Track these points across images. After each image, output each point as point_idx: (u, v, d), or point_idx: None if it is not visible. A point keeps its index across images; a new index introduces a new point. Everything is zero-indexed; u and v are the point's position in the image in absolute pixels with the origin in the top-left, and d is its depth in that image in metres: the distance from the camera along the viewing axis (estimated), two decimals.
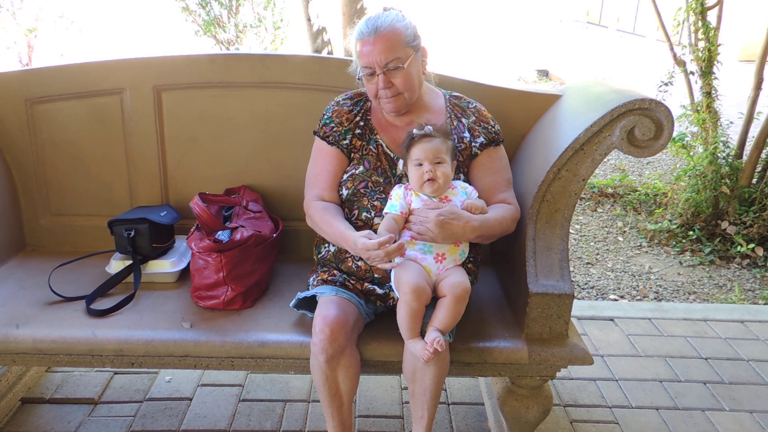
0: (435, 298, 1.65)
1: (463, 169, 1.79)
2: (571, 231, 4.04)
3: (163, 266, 1.97)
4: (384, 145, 1.81)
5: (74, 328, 1.72)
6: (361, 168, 1.78)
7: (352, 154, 1.82)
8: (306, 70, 2.08)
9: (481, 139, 1.80)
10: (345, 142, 1.81)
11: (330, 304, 1.64)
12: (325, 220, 1.73)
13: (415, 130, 1.67)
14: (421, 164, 1.64)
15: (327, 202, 1.79)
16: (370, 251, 1.54)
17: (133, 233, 1.93)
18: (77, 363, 1.74)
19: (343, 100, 1.87)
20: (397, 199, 1.67)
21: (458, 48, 12.38)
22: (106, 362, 1.73)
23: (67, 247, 2.16)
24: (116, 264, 1.95)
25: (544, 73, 11.13)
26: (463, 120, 1.83)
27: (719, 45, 3.69)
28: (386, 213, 1.68)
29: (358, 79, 1.76)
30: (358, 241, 1.58)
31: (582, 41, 14.20)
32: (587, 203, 4.51)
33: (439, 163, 1.65)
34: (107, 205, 2.16)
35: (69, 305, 1.82)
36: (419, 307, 1.57)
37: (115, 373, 2.29)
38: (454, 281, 1.61)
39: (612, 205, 4.49)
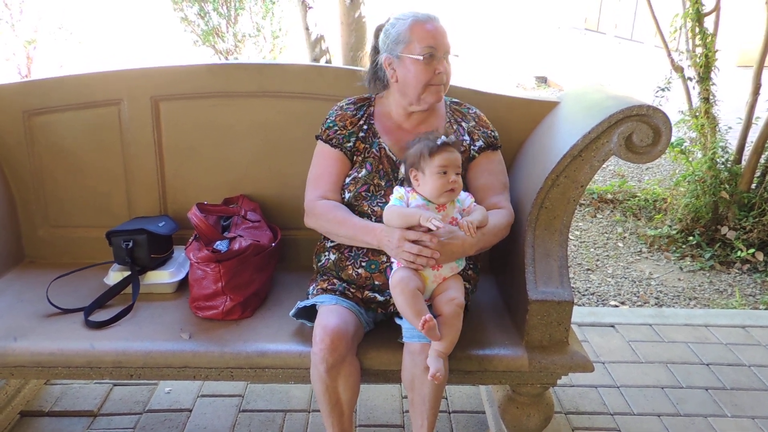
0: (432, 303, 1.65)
1: (462, 171, 1.79)
2: (570, 237, 4.03)
3: (162, 277, 1.96)
4: (387, 148, 1.82)
5: (72, 341, 1.71)
6: (364, 171, 1.79)
7: (355, 157, 1.83)
8: (304, 79, 2.08)
9: (480, 143, 1.83)
10: (349, 144, 1.82)
11: (330, 313, 1.64)
12: (338, 217, 1.73)
13: (443, 137, 1.65)
14: (445, 172, 1.62)
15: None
16: (405, 242, 1.57)
17: (131, 244, 1.92)
18: (76, 375, 1.73)
19: (347, 104, 1.88)
20: (400, 199, 1.66)
21: (457, 55, 12.41)
22: (104, 374, 1.72)
23: (65, 258, 2.16)
24: (114, 275, 1.95)
25: (542, 80, 11.17)
26: (463, 124, 1.86)
27: (716, 51, 3.70)
28: (393, 206, 1.65)
29: (397, 57, 1.75)
30: (395, 233, 1.59)
31: (580, 48, 14.23)
32: (587, 209, 4.51)
33: (458, 174, 1.66)
34: (105, 216, 2.15)
35: (67, 317, 1.81)
36: (410, 291, 1.57)
37: (115, 385, 2.28)
38: (448, 297, 1.61)
39: (612, 211, 4.48)
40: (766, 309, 3.11)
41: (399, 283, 1.59)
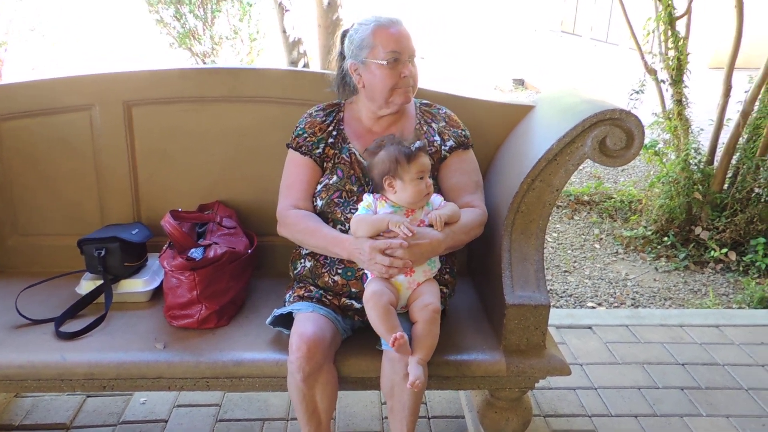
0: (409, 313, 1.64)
1: (433, 172, 1.80)
2: (548, 239, 4.06)
3: (136, 285, 1.93)
4: (357, 153, 1.81)
5: (42, 352, 1.67)
6: (335, 178, 1.78)
7: (325, 164, 1.82)
8: (279, 84, 2.06)
9: (450, 143, 1.83)
10: (318, 151, 1.81)
11: (307, 321, 1.62)
12: (309, 228, 1.72)
13: (419, 142, 1.66)
14: (422, 178, 1.63)
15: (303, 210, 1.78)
16: (376, 252, 1.56)
17: (103, 252, 1.88)
18: (46, 388, 1.70)
19: (316, 111, 1.88)
20: (367, 207, 1.66)
21: (436, 58, 12.46)
22: (76, 386, 1.69)
23: (35, 267, 2.11)
24: (86, 284, 1.91)
25: (520, 82, 11.24)
26: (433, 125, 1.86)
27: (688, 54, 3.75)
28: (359, 215, 1.66)
29: (362, 63, 1.74)
30: (365, 243, 1.58)
31: (557, 50, 14.39)
32: (564, 211, 4.55)
33: (429, 177, 1.68)
34: (77, 224, 2.11)
35: (37, 328, 1.77)
36: (383, 306, 1.56)
37: (88, 396, 2.23)
38: (423, 303, 1.61)
39: (588, 213, 4.53)
40: (739, 308, 3.17)
41: (371, 298, 1.58)
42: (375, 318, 1.57)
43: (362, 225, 1.62)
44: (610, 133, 1.67)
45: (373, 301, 1.57)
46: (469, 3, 15.31)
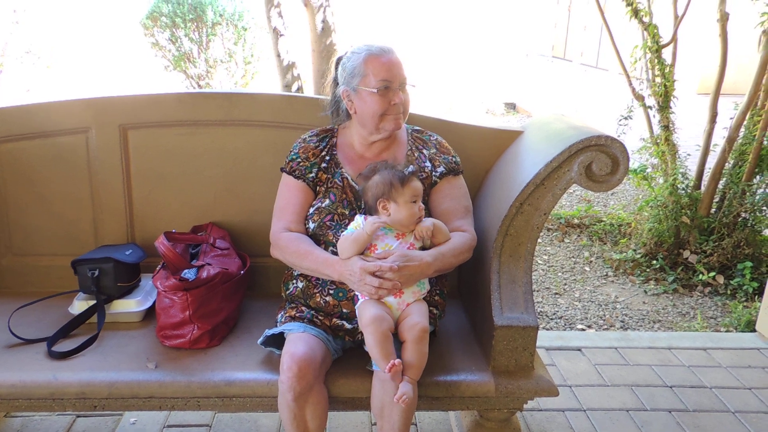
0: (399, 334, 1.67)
1: (424, 197, 1.83)
2: (539, 261, 4.09)
3: (128, 305, 1.94)
4: (349, 178, 1.85)
5: (34, 372, 1.68)
6: (327, 201, 1.81)
7: (318, 188, 1.85)
8: (273, 108, 2.11)
9: (441, 169, 1.87)
10: (311, 175, 1.84)
11: (298, 341, 1.64)
12: (301, 250, 1.75)
13: (412, 167, 1.72)
14: (415, 201, 1.68)
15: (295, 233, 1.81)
16: (365, 274, 1.60)
17: (97, 273, 1.90)
18: (37, 408, 1.70)
19: (309, 136, 1.92)
20: (355, 228, 1.70)
21: (428, 82, 12.61)
22: (67, 406, 1.69)
23: (30, 287, 2.12)
24: (79, 304, 1.92)
25: (511, 106, 11.39)
26: (425, 151, 1.90)
27: (675, 81, 3.84)
28: (344, 235, 1.70)
29: (354, 90, 1.78)
30: (355, 265, 1.61)
31: (548, 75, 14.59)
32: (554, 234, 4.59)
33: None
34: (71, 245, 2.13)
35: (30, 348, 1.78)
36: (382, 333, 1.59)
37: (78, 416, 2.23)
38: (411, 323, 1.63)
39: (578, 236, 4.57)
40: (726, 331, 3.20)
41: (372, 323, 1.60)
42: (372, 343, 1.59)
43: (347, 244, 1.66)
44: (596, 159, 1.72)
45: (373, 327, 1.59)
46: (463, 28, 15.55)
